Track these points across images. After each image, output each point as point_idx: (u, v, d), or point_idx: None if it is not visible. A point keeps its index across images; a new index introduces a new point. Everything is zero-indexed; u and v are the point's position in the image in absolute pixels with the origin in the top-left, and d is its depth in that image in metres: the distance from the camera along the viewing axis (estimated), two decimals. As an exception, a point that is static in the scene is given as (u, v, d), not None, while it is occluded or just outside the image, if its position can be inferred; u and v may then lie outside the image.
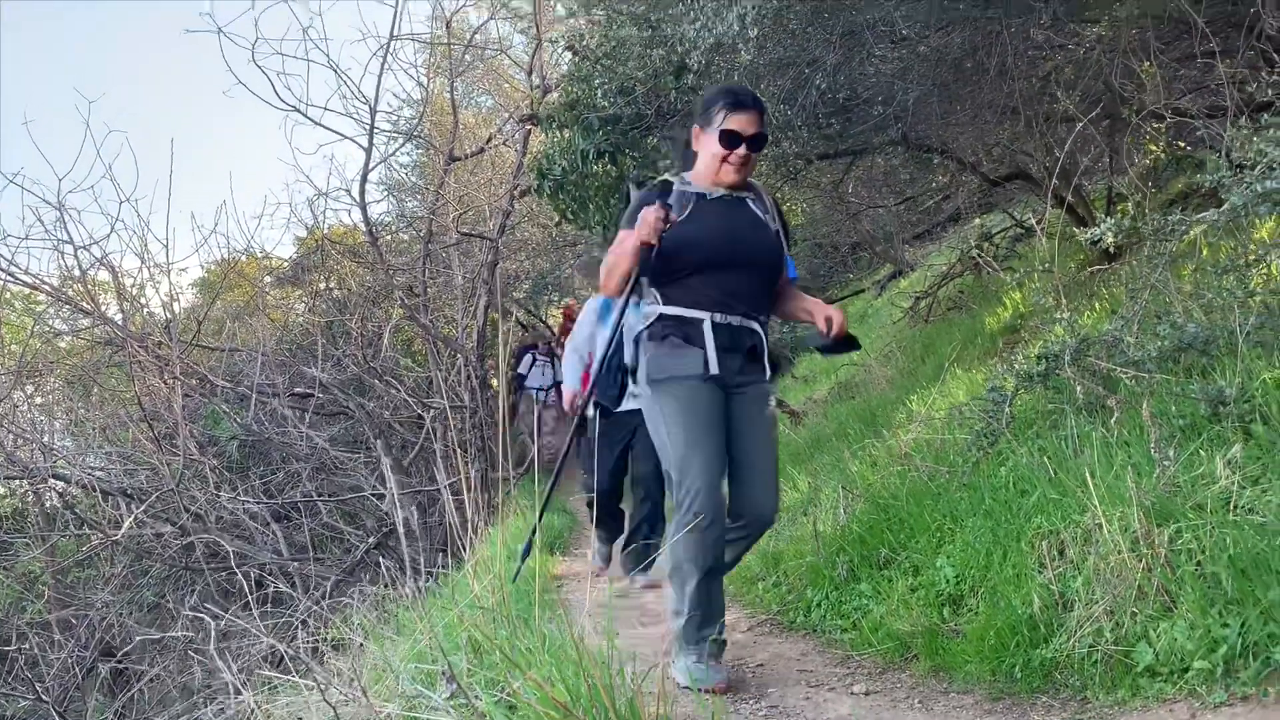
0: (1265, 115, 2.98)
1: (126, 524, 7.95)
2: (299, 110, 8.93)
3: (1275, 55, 3.56)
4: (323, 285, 12.65)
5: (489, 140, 10.76)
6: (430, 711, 1.88)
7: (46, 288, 9.62)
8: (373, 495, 8.54)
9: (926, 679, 3.08)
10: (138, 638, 7.43)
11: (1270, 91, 3.08)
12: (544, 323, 18.47)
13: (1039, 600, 2.84)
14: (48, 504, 10.82)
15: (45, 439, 10.94)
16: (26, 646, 7.84)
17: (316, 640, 4.51)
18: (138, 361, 9.20)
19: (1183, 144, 5.76)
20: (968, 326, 7.23)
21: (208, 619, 3.10)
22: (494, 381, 16.06)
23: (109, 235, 18.01)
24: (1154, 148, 5.01)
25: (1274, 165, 2.84)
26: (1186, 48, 4.31)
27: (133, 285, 10.63)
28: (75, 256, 9.28)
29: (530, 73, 10.08)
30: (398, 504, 3.90)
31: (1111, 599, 2.63)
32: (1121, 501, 2.74)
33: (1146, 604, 2.54)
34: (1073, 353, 3.42)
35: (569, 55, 6.89)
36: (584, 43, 6.16)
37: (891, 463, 4.93)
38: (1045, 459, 3.41)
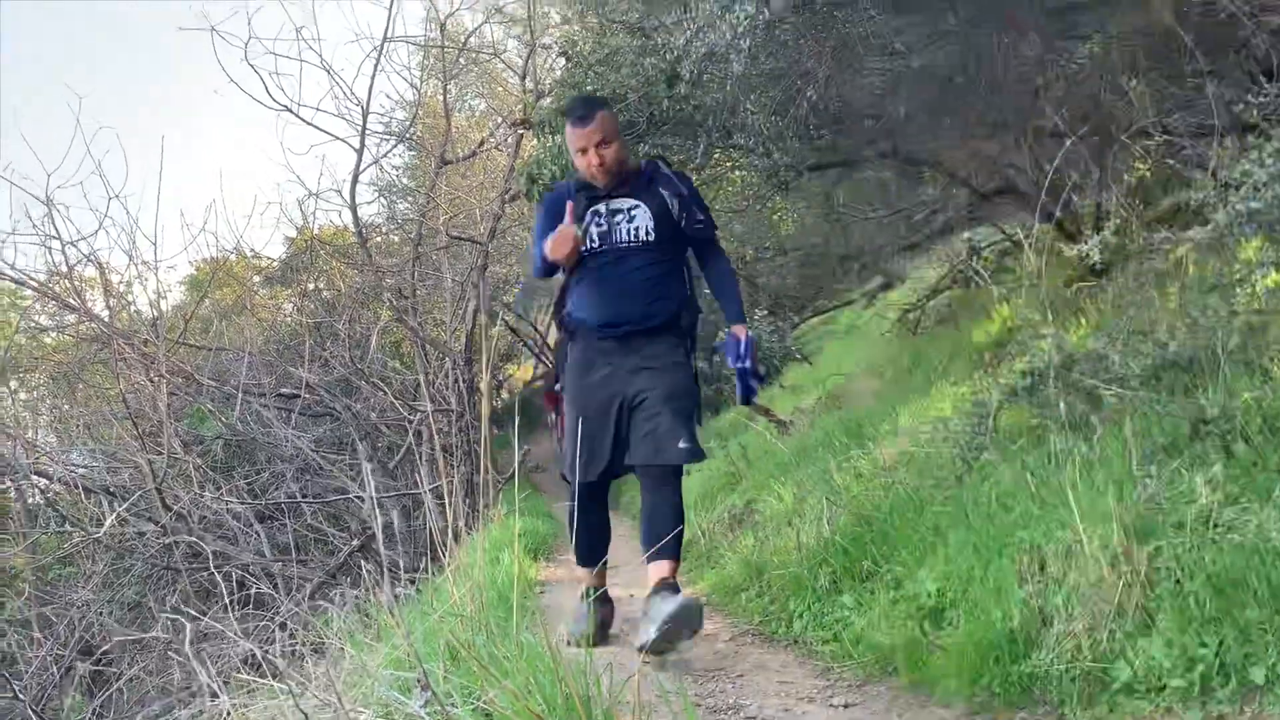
0: (1250, 136, 3.00)
1: (108, 522, 7.91)
2: (291, 110, 8.93)
3: (1263, 77, 3.58)
4: (312, 286, 12.63)
5: (481, 144, 10.76)
6: (406, 719, 1.87)
7: (33, 283, 9.57)
8: (356, 497, 8.51)
9: (906, 692, 3.08)
10: (117, 637, 7.38)
11: (1256, 113, 3.10)
12: (534, 327, 18.48)
13: (1019, 615, 2.85)
14: (30, 501, 10.77)
15: (29, 435, 10.89)
16: (5, 644, 7.79)
17: (297, 643, 4.49)
18: (123, 359, 9.16)
19: (1171, 161, 5.79)
20: (955, 339, 7.24)
21: (184, 620, 3.08)
22: (481, 385, 16.07)
23: (97, 232, 17.93)
24: (1140, 166, 5.04)
25: (1259, 185, 2.85)
26: (1175, 67, 4.34)
27: (120, 282, 10.61)
28: (63, 252, 9.29)
29: (524, 77, 10.09)
30: (376, 508, 3.87)
31: (1091, 615, 2.64)
32: (1102, 518, 2.75)
33: (1125, 621, 2.55)
34: (1057, 369, 3.43)
35: (563, 61, 6.89)
36: (577, 49, 6.16)
37: (876, 475, 4.94)
38: (1028, 474, 3.42)
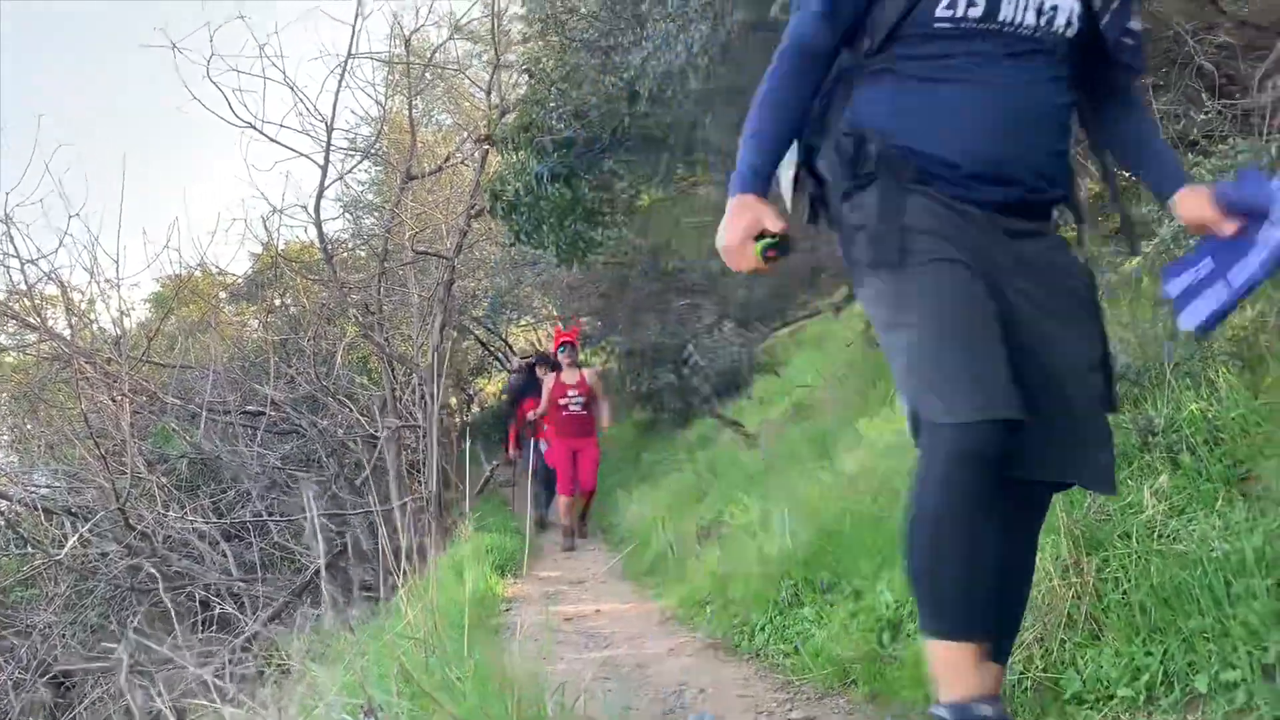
0: (1190, 154, 3.07)
1: (70, 543, 7.82)
2: (255, 127, 8.89)
3: (1206, 94, 3.66)
4: (278, 301, 12.55)
5: (447, 159, 10.76)
6: (356, 744, 1.87)
7: (-8, 302, 9.47)
8: (324, 515, 8.45)
9: (864, 705, 3.10)
10: (76, 662, 7.28)
11: (1197, 131, 3.17)
12: (503, 340, 18.43)
13: (973, 627, 2.87)
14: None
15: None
16: (-36, 669, 7.66)
17: (259, 665, 4.47)
18: (85, 378, 9.06)
19: (1125, 173, 5.86)
20: (918, 351, 7.30)
21: (123, 651, 3.05)
22: (452, 400, 15.90)
23: (57, 250, 17.73)
24: (1091, 183, 5.10)
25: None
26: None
27: (82, 300, 10.50)
28: (22, 271, 9.16)
29: (489, 92, 10.10)
30: (319, 535, 3.83)
31: (1042, 626, 2.67)
32: (1052, 530, 2.79)
33: (1075, 631, 2.59)
34: (1010, 381, 3.47)
35: (526, 78, 6.92)
36: (540, 66, 6.20)
37: (838, 487, 4.98)
38: (982, 486, 3.46)
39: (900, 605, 3.41)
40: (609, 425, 9.57)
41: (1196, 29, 3.76)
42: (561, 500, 9.07)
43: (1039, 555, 2.78)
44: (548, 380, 9.17)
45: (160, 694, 2.93)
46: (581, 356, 9.88)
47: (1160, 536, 2.63)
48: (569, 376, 9.01)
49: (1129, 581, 2.56)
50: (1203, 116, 3.25)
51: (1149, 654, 2.36)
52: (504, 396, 14.52)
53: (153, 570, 7.93)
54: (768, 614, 4.09)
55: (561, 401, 8.92)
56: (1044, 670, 2.59)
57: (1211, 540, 2.47)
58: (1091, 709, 2.42)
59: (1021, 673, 2.63)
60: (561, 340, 9.19)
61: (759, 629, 4.07)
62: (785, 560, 4.28)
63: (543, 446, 9.90)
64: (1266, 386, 3.02)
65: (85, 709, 7.50)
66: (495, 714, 1.75)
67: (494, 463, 12.47)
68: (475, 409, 19.71)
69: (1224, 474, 2.76)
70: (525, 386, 11.29)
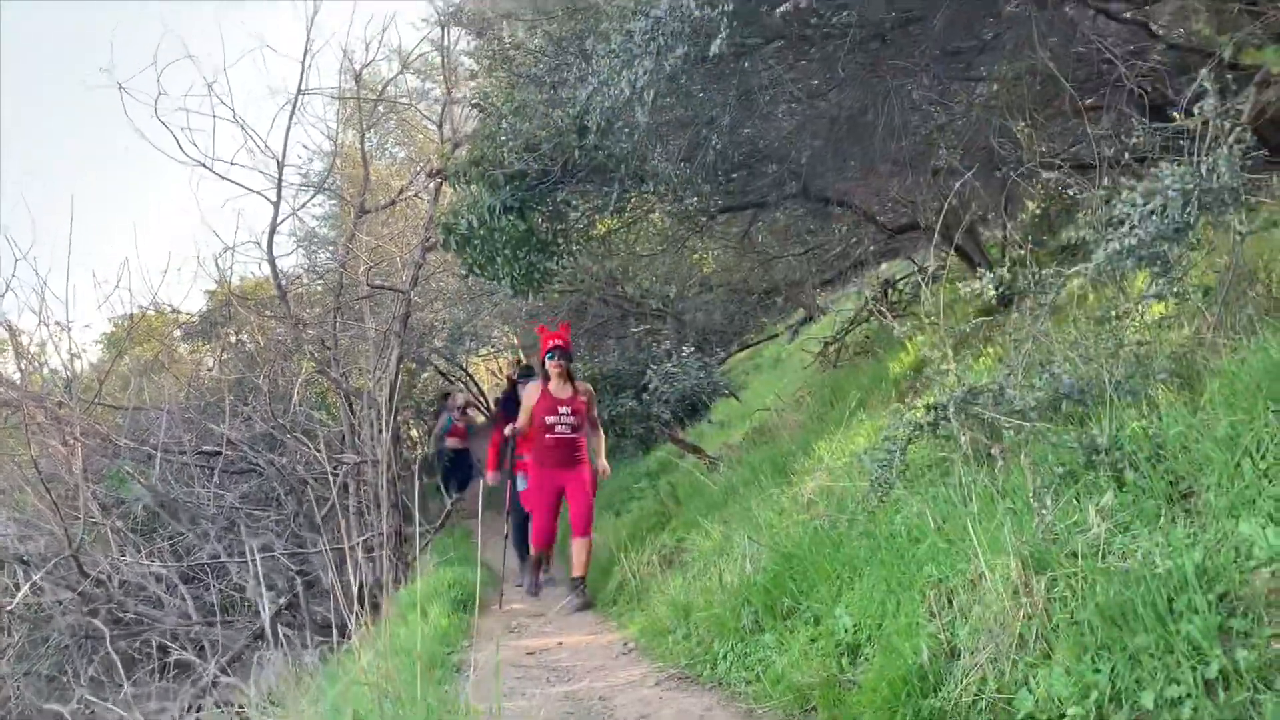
0: (1124, 178, 3.14)
1: (21, 592, 7.64)
2: (205, 165, 8.83)
3: (1139, 116, 3.76)
4: (233, 339, 12.43)
5: (400, 193, 10.74)
6: (309, 795, 1.85)
7: (-62, 348, 9.29)
8: (284, 554, 8.35)
9: (824, 731, 3.12)
10: (34, 712, 7.12)
11: (1128, 155, 3.25)
12: (464, 370, 18.36)
13: (928, 650, 2.91)
14: (-60, 573, 10.34)
15: (-64, 505, 10.49)
16: (-85, 725, 7.46)
17: (223, 710, 4.40)
18: (36, 423, 8.90)
19: (1069, 192, 6.00)
20: (874, 371, 7.39)
21: (82, 707, 3.00)
22: (415, 433, 15.80)
23: (4, 294, 17.44)
24: (1030, 203, 5.22)
25: (1134, 224, 2.99)
26: (1060, 106, 4.52)
27: (30, 344, 10.32)
28: (-32, 316, 8.98)
29: (440, 125, 10.11)
30: (262, 585, 3.79)
31: (995, 647, 2.71)
32: (1003, 550, 2.83)
33: (1027, 651, 2.63)
34: (958, 403, 3.53)
35: (477, 112, 6.95)
36: (489, 101, 6.22)
37: (796, 510, 5.01)
38: (934, 508, 3.51)
39: (858, 629, 3.43)
40: (607, 473, 7.41)
41: (1129, 53, 3.86)
42: (534, 554, 7.31)
43: (989, 576, 2.83)
44: (530, 391, 7.05)
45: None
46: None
47: (1106, 554, 2.67)
48: (559, 389, 6.94)
49: (1076, 600, 2.60)
50: (1134, 140, 3.33)
51: (1097, 671, 2.40)
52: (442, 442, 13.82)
53: (103, 621, 7.77)
54: (729, 641, 4.10)
55: (548, 420, 6.84)
56: (997, 690, 2.62)
57: (1154, 557, 2.52)
58: (1044, 728, 2.45)
59: (976, 694, 2.66)
60: (551, 343, 6.97)
61: (721, 657, 4.08)
62: (746, 586, 4.29)
63: (520, 484, 8.07)
64: (1204, 403, 3.10)
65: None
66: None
67: (455, 495, 12.39)
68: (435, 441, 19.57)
69: (1166, 490, 2.82)
70: (508, 403, 11.19)
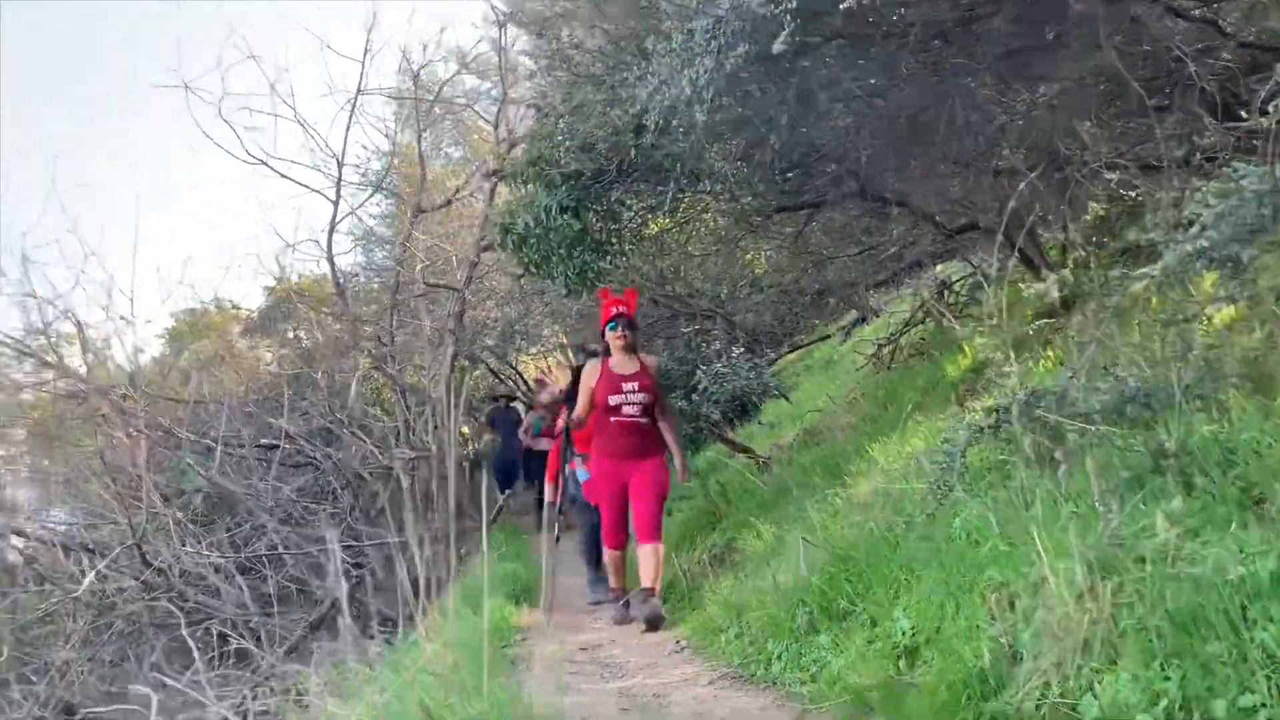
0: (1194, 178, 3.09)
1: (87, 580, 7.85)
2: (266, 164, 9.00)
3: (1209, 116, 3.69)
4: (291, 334, 12.66)
5: (456, 193, 10.85)
6: (378, 781, 1.89)
7: (9, 341, 9.57)
8: (318, 552, 8.48)
9: (882, 733, 3.10)
10: (95, 700, 7.30)
11: (1199, 155, 3.20)
12: (514, 369, 18.49)
13: (989, 653, 2.88)
14: (9, 560, 10.65)
15: (7, 494, 10.81)
16: (-15, 706, 7.68)
17: (279, 699, 4.48)
18: (101, 415, 9.14)
19: (1134, 194, 5.91)
20: (929, 374, 7.32)
21: (151, 691, 3.07)
22: (464, 429, 15.93)
23: (74, 288, 17.95)
24: (1096, 205, 5.14)
25: (1206, 225, 2.94)
26: (1127, 105, 4.45)
27: (97, 338, 10.59)
28: (39, 310, 9.26)
29: (496, 126, 10.20)
30: (338, 570, 3.85)
31: (1058, 652, 2.67)
32: (1067, 555, 2.79)
33: (1092, 657, 2.59)
34: (1021, 406, 3.48)
35: (534, 112, 7.00)
36: (547, 101, 6.27)
37: (851, 512, 4.98)
38: (996, 512, 3.47)
39: (916, 631, 3.41)
40: (685, 476, 6.37)
41: (1198, 52, 3.79)
42: (608, 555, 6.25)
43: (1053, 580, 2.79)
44: (589, 370, 6.04)
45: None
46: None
47: (1175, 560, 2.63)
48: (623, 364, 5.94)
49: (1144, 606, 2.56)
50: (1206, 140, 3.27)
51: (1167, 679, 2.36)
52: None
53: (171, 606, 7.96)
54: (784, 642, 4.09)
55: (612, 401, 5.85)
56: (1061, 695, 2.59)
57: (1227, 564, 2.47)
58: (1111, 734, 2.42)
59: (1039, 698, 2.63)
60: (613, 311, 5.98)
61: (775, 657, 4.07)
62: (801, 588, 4.28)
63: (580, 475, 7.00)
64: (1277, 408, 3.03)
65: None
66: (516, 750, 1.77)
67: (507, 491, 12.48)
68: (487, 438, 19.75)
69: (1238, 497, 2.77)
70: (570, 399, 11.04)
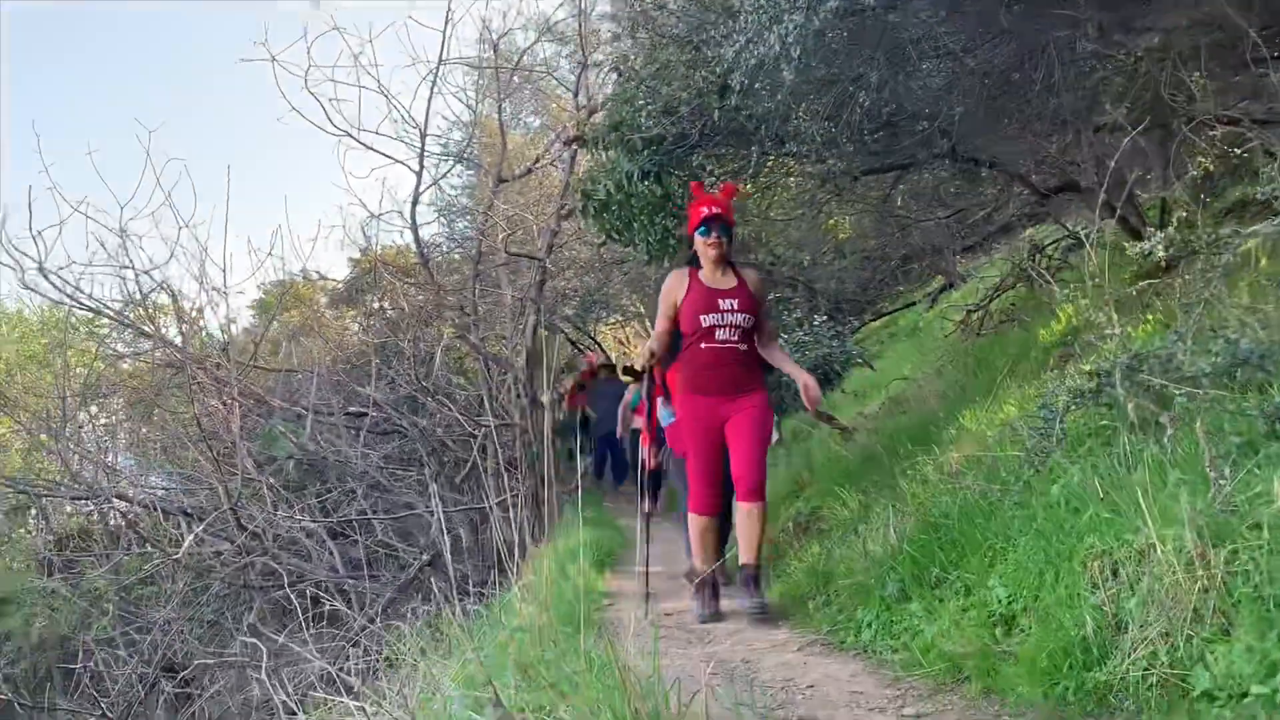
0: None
1: (186, 543, 8.13)
2: (351, 135, 9.12)
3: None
4: (376, 305, 12.88)
5: (536, 161, 10.88)
6: (478, 735, 1.91)
7: (109, 312, 9.91)
8: (426, 512, 8.64)
9: (978, 701, 3.04)
10: (197, 657, 7.58)
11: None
12: (593, 339, 18.57)
13: (1092, 622, 2.80)
14: (111, 523, 11.10)
15: (109, 459, 11.25)
16: (92, 663, 8.03)
17: (371, 658, 4.58)
18: (197, 383, 9.43)
19: (1239, 151, 5.66)
20: (1020, 340, 7.14)
21: (260, 643, 3.16)
22: (543, 399, 16.10)
23: (169, 260, 18.50)
24: (1203, 159, 4.92)
25: (1329, 177, 2.79)
26: (1239, 56, 4.24)
27: (192, 308, 10.92)
28: (136, 281, 9.56)
29: (576, 93, 10.19)
30: (443, 527, 3.91)
31: (1166, 621, 2.58)
32: (1175, 521, 2.69)
33: (1203, 626, 2.50)
34: (1125, 369, 3.37)
35: (614, 76, 6.95)
36: (628, 64, 6.22)
37: (942, 480, 4.89)
38: (1097, 478, 3.36)
39: (1013, 600, 3.33)
40: (816, 397, 4.90)
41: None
42: (692, 523, 4.85)
43: (1160, 547, 2.69)
44: (671, 284, 4.83)
45: (279, 687, 3.03)
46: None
47: (1293, 527, 2.52)
48: (716, 278, 4.76)
49: (1260, 575, 2.46)
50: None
51: (1286, 650, 2.27)
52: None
53: (259, 573, 8.22)
54: (874, 610, 4.03)
55: (705, 322, 4.65)
56: (1170, 667, 2.50)
57: (1350, 531, 2.36)
58: (1223, 707, 2.33)
59: (1146, 669, 2.55)
60: (704, 211, 4.74)
61: (865, 625, 4.02)
62: (891, 555, 4.22)
63: (664, 418, 5.94)
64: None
65: (205, 702, 7.80)
66: (615, 708, 1.77)
67: (588, 459, 12.56)
68: (565, 408, 19.91)
69: (1360, 461, 2.64)
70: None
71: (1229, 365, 3.29)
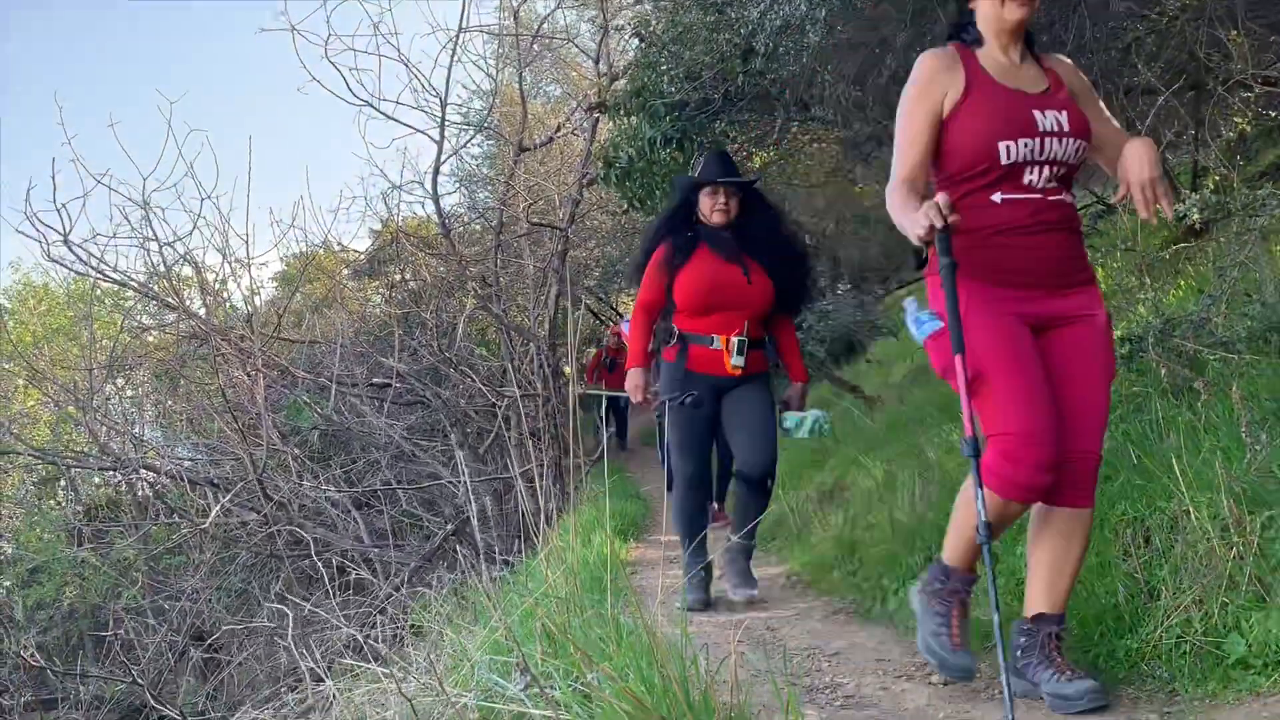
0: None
1: (213, 513, 8.19)
2: (371, 105, 9.08)
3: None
4: (399, 276, 12.88)
5: (557, 129, 10.82)
6: (506, 702, 1.91)
7: (134, 284, 9.97)
8: (450, 482, 8.67)
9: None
10: (225, 625, 7.67)
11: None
12: (615, 310, 18.54)
13: (1124, 589, 2.78)
14: (139, 493, 11.21)
15: (136, 430, 11.35)
16: (122, 631, 8.14)
17: (397, 627, 4.61)
18: (221, 354, 9.47)
19: (1276, 114, 5.54)
20: (1048, 307, 7.05)
21: (288, 609, 3.18)
22: (566, 369, 16.15)
23: (192, 232, 18.55)
24: (1240, 120, 4.81)
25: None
26: (1278, 12, 4.14)
27: (215, 280, 10.97)
28: (160, 253, 9.60)
29: (597, 60, 10.10)
30: (470, 494, 3.91)
31: (1200, 588, 2.55)
32: (1210, 487, 2.66)
33: (1238, 594, 2.46)
34: (1157, 334, 3.32)
35: (636, 42, 6.88)
36: (650, 29, 6.15)
37: (970, 448, 4.85)
38: (1129, 444, 3.32)
39: (1042, 568, 3.30)
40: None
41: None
42: (1002, 510, 2.58)
43: (1194, 513, 2.65)
44: (930, 71, 2.59)
45: (305, 654, 3.05)
46: None
47: (1332, 493, 2.48)
48: (1016, 70, 2.59)
49: (1298, 541, 2.42)
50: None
51: (1322, 617, 2.24)
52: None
53: (284, 542, 8.28)
54: (900, 578, 4.02)
55: (1006, 154, 2.51)
56: (1204, 634, 2.47)
57: (1391, 497, 2.32)
58: (1259, 674, 2.30)
59: (1180, 636, 2.52)
60: None
61: (891, 593, 4.01)
62: (918, 524, 4.19)
63: (920, 324, 2.99)
64: None
65: (234, 670, 7.89)
66: (645, 673, 1.76)
67: (610, 429, 12.56)
68: (586, 380, 19.92)
69: (1401, 426, 2.59)
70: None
71: (1264, 329, 3.24)
